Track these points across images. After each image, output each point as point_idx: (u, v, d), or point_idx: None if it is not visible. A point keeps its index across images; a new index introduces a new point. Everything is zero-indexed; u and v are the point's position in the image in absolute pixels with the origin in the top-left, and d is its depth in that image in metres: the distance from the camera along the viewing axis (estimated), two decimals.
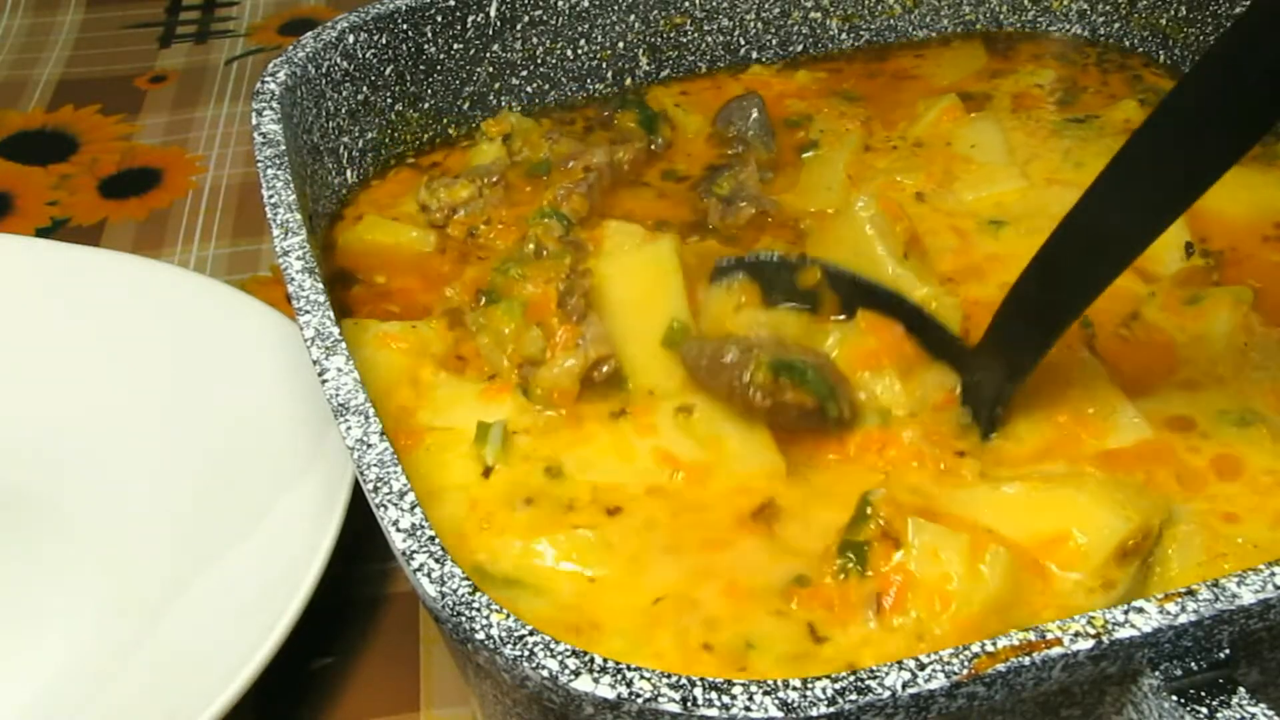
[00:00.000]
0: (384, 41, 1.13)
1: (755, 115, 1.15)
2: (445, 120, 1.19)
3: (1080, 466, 0.86)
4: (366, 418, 0.75)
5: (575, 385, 0.90)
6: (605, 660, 0.62)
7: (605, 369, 0.91)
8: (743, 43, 1.28)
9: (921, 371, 0.91)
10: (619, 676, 0.61)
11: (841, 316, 0.94)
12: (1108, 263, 0.78)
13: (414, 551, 0.67)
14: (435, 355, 0.94)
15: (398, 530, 0.69)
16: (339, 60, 1.10)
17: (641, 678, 0.61)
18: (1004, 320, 0.86)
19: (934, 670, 0.62)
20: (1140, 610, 0.65)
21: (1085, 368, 0.91)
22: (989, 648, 0.63)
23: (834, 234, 1.01)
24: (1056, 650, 0.63)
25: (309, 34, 1.09)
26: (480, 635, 0.63)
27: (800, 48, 1.29)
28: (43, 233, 1.48)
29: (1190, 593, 0.66)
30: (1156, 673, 0.66)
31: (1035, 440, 0.88)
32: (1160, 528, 0.81)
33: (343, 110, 1.11)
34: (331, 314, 0.83)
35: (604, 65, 1.23)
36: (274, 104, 1.01)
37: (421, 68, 1.16)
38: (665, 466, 0.86)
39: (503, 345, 0.93)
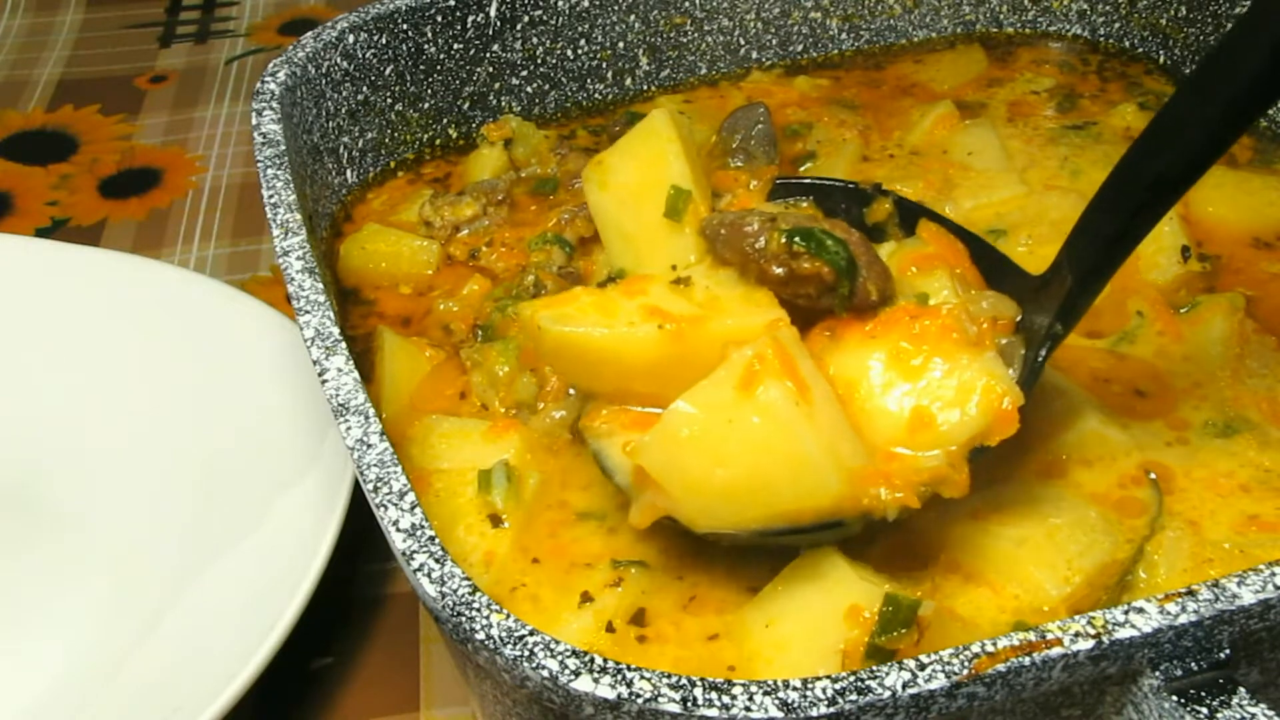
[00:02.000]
0: (384, 41, 1.13)
1: (760, 126, 1.12)
2: (445, 120, 1.19)
3: (1060, 489, 0.85)
4: (366, 418, 0.75)
5: (566, 433, 0.89)
6: (605, 660, 0.62)
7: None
8: (743, 43, 1.28)
9: (980, 293, 0.84)
10: (619, 676, 0.61)
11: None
12: (1159, 200, 0.76)
13: (414, 551, 0.67)
14: (444, 389, 0.94)
15: (398, 530, 0.69)
16: (339, 60, 1.10)
17: (641, 678, 0.61)
18: (1068, 252, 0.81)
19: (934, 670, 0.62)
20: (1140, 610, 0.65)
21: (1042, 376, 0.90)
22: (989, 648, 0.63)
23: None
24: (1056, 650, 0.63)
25: (309, 34, 1.09)
26: (480, 635, 0.63)
27: (800, 48, 1.29)
28: (43, 233, 1.49)
29: (1190, 593, 0.66)
30: (1157, 673, 0.66)
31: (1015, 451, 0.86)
32: (1141, 543, 0.81)
33: (343, 110, 1.11)
34: (332, 314, 0.83)
35: (604, 65, 1.23)
36: (274, 104, 1.01)
37: (421, 68, 1.16)
38: (652, 320, 0.78)
39: (496, 386, 0.92)
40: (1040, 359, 0.81)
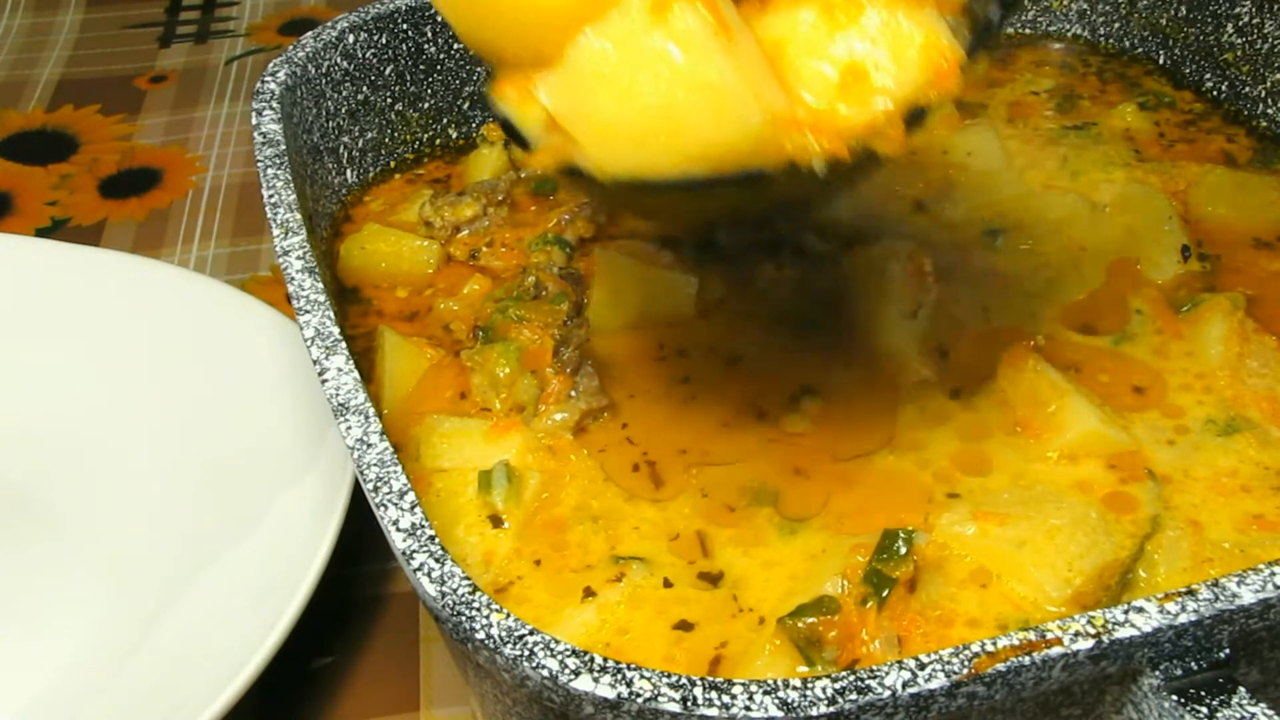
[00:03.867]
0: (384, 41, 1.13)
1: None
2: (445, 120, 1.19)
3: (1059, 489, 0.85)
4: (366, 417, 0.75)
5: (567, 435, 0.90)
6: (605, 660, 0.62)
7: (603, 417, 0.91)
8: None
9: None
10: (619, 676, 0.61)
11: None
12: None
13: (414, 551, 0.67)
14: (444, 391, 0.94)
15: (398, 530, 0.69)
16: (339, 60, 1.10)
17: (641, 677, 0.61)
18: None
19: (934, 670, 0.62)
20: (1140, 610, 0.65)
21: (1042, 376, 0.91)
22: (989, 647, 0.63)
23: (853, 267, 1.01)
24: (1056, 650, 0.63)
25: (309, 34, 1.09)
26: (480, 635, 0.63)
27: None
28: (43, 233, 1.48)
29: (1190, 592, 0.66)
30: (1156, 672, 0.66)
31: (1012, 455, 0.87)
32: (1142, 541, 0.81)
33: (343, 110, 1.11)
34: (331, 314, 0.83)
35: None
36: (274, 104, 1.01)
37: (421, 68, 1.16)
38: None
39: (497, 388, 0.92)
40: (992, 30, 0.75)
